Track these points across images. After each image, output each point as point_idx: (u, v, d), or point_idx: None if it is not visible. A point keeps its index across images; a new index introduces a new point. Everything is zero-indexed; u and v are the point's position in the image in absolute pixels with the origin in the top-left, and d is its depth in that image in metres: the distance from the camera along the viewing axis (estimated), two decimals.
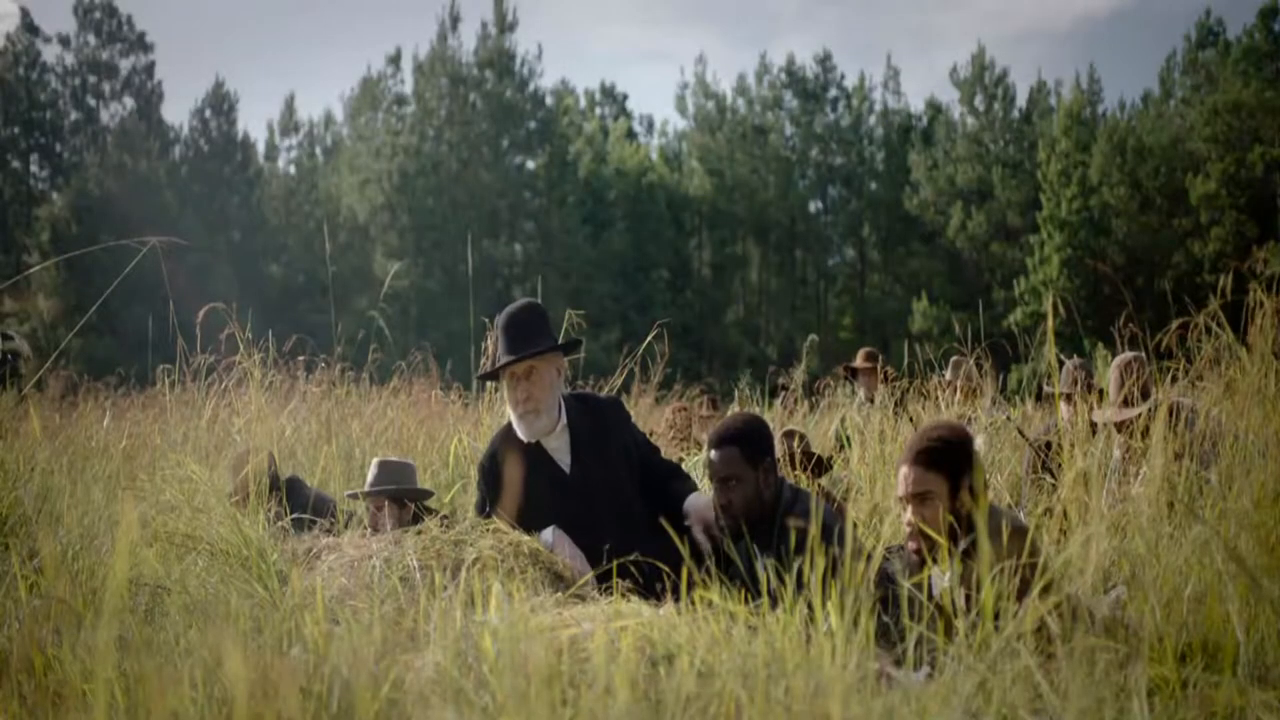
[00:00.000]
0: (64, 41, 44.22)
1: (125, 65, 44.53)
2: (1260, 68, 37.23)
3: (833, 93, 48.10)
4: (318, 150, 49.64)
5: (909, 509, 3.63)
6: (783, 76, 47.98)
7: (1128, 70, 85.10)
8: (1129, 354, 5.30)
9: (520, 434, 4.61)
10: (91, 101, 44.60)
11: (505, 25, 43.69)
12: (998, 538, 3.21)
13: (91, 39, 44.32)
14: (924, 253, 46.03)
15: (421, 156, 42.70)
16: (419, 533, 4.09)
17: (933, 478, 3.58)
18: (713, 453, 4.23)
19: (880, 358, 9.28)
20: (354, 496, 5.91)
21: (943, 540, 3.47)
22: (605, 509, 4.51)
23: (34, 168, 44.49)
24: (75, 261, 29.20)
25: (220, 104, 45.15)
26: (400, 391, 9.19)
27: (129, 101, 44.53)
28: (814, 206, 49.17)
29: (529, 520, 4.37)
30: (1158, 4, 71.48)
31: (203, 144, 44.73)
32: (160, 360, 7.55)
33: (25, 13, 44.66)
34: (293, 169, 49.07)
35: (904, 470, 3.66)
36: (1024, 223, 41.26)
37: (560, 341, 4.70)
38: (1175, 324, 4.45)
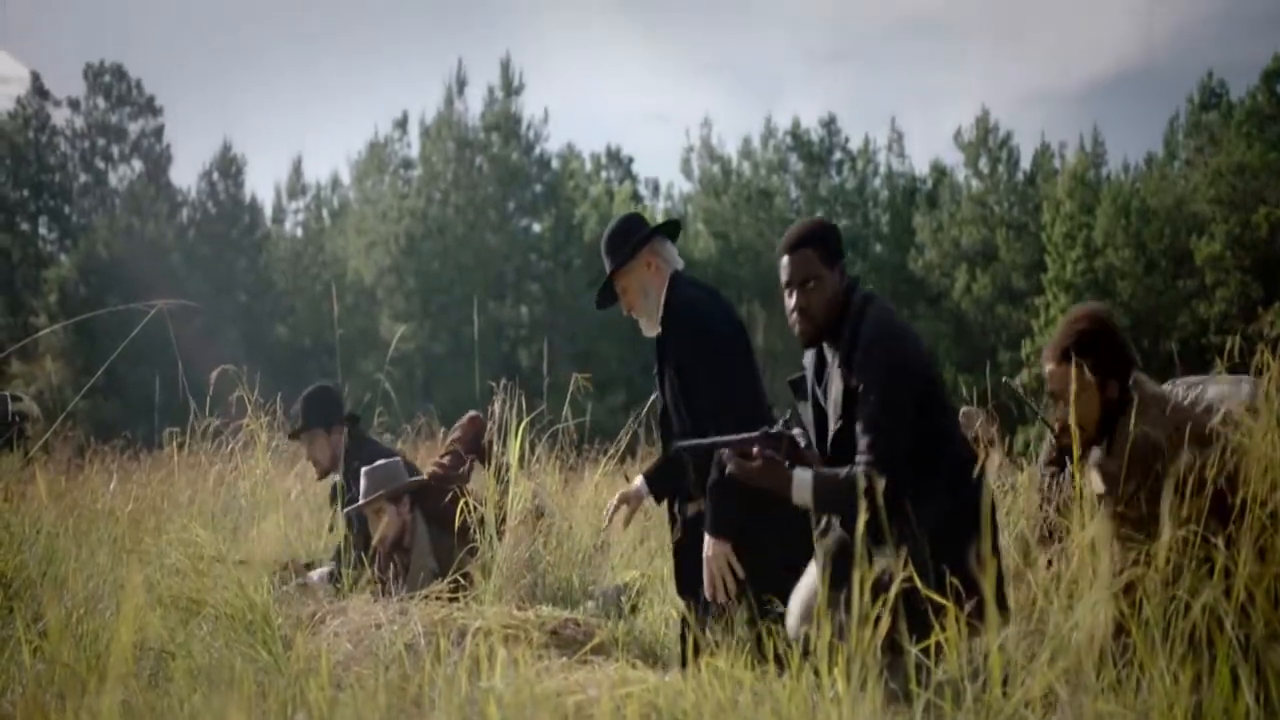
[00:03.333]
0: (73, 105, 44.63)
1: (134, 129, 44.89)
2: (1264, 130, 37.34)
3: (837, 155, 48.30)
4: (325, 213, 49.77)
5: (1058, 405, 3.65)
6: (787, 140, 48.21)
7: (1131, 132, 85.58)
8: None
9: None
10: (100, 164, 44.94)
11: (512, 89, 44.03)
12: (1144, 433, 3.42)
13: (101, 102, 44.70)
14: (929, 315, 45.98)
15: (428, 219, 42.87)
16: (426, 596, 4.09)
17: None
18: (785, 258, 4.04)
19: None
20: (354, 512, 5.92)
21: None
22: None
23: (43, 230, 44.75)
24: (83, 324, 29.30)
25: (228, 167, 45.42)
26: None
27: (137, 164, 44.85)
28: None
29: None
30: (1161, 67, 71.91)
31: (210, 207, 44.94)
32: (167, 423, 7.57)
33: (36, 76, 45.06)
34: (300, 231, 49.18)
35: (1050, 369, 3.73)
36: (1029, 285, 41.27)
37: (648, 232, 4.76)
38: None
